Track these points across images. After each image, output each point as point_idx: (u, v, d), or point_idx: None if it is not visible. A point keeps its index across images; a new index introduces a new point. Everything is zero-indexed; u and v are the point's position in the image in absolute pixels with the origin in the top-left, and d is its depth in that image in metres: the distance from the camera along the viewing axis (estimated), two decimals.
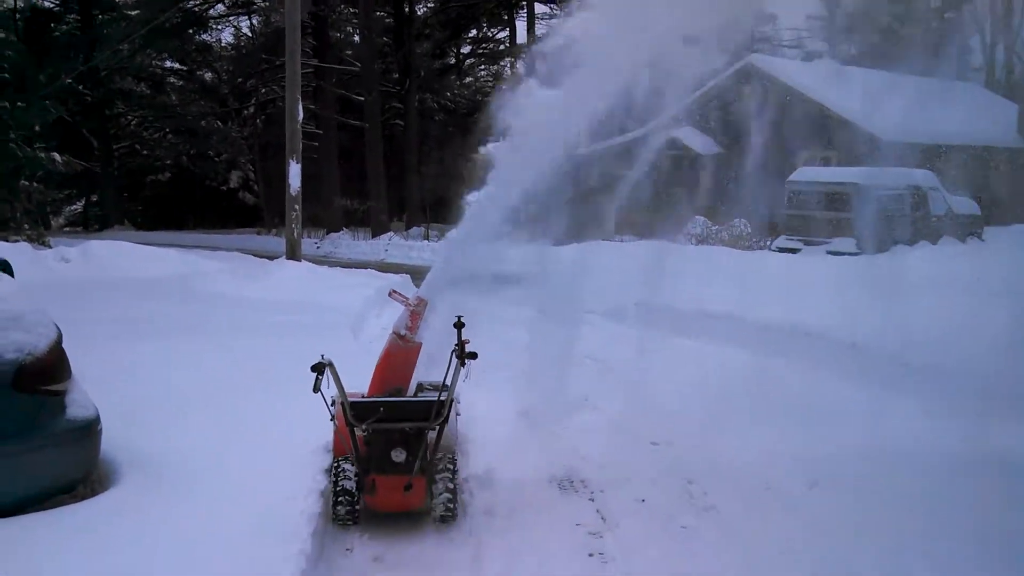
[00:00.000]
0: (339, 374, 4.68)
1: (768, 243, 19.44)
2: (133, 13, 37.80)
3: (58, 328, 4.88)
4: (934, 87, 26.77)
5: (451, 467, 4.85)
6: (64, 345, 4.86)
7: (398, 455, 4.75)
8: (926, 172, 19.53)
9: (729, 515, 5.00)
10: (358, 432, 4.73)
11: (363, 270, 17.61)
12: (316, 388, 4.51)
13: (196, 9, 35.21)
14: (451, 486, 4.79)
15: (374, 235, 31.03)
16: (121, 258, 15.71)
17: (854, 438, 6.22)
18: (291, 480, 4.90)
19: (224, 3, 37.09)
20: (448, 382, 4.82)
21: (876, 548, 4.55)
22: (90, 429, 4.74)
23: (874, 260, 15.64)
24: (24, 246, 15.76)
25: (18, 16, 38.97)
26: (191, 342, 8.74)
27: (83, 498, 4.64)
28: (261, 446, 5.41)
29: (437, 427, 4.81)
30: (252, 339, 9.10)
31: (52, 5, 40.28)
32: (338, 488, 4.73)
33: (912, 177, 18.98)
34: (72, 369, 4.90)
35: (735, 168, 24.25)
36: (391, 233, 30.28)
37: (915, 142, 23.12)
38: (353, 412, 4.69)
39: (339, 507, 4.71)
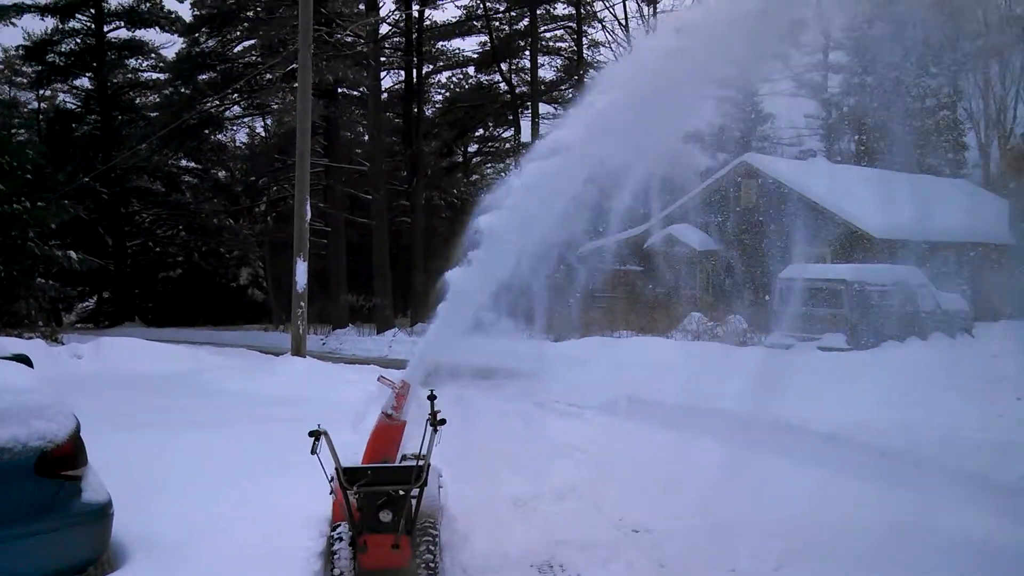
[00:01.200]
0: (333, 445, 5.33)
1: (762, 339, 19.85)
2: (152, 115, 39.24)
3: (76, 419, 5.33)
4: (927, 185, 27.61)
5: (433, 530, 5.47)
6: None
7: (385, 516, 5.33)
8: (913, 268, 20.03)
9: None
10: (350, 495, 5.32)
11: (366, 366, 18.02)
12: (313, 450, 5.17)
13: (213, 111, 36.49)
14: (433, 547, 5.39)
15: (379, 331, 31.52)
16: (132, 354, 16.20)
17: (824, 524, 6.57)
18: (287, 561, 5.28)
19: (240, 105, 38.44)
20: (424, 449, 5.50)
21: None
22: (103, 512, 5.13)
23: (863, 356, 16.07)
24: (39, 342, 16.25)
25: (41, 117, 40.56)
26: (197, 433, 9.17)
27: None
28: (260, 527, 5.80)
29: (418, 489, 5.42)
30: (254, 431, 9.51)
31: (74, 106, 41.84)
32: (336, 547, 5.34)
33: (899, 274, 19.48)
34: (88, 456, 5.33)
35: (731, 264, 24.93)
36: (396, 329, 30.77)
37: (907, 239, 23.77)
38: (345, 476, 5.31)
39: (337, 562, 5.28)
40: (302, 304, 16.91)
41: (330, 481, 5.49)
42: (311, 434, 5.23)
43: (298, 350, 16.74)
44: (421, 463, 5.42)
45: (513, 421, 11.33)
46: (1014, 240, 26.78)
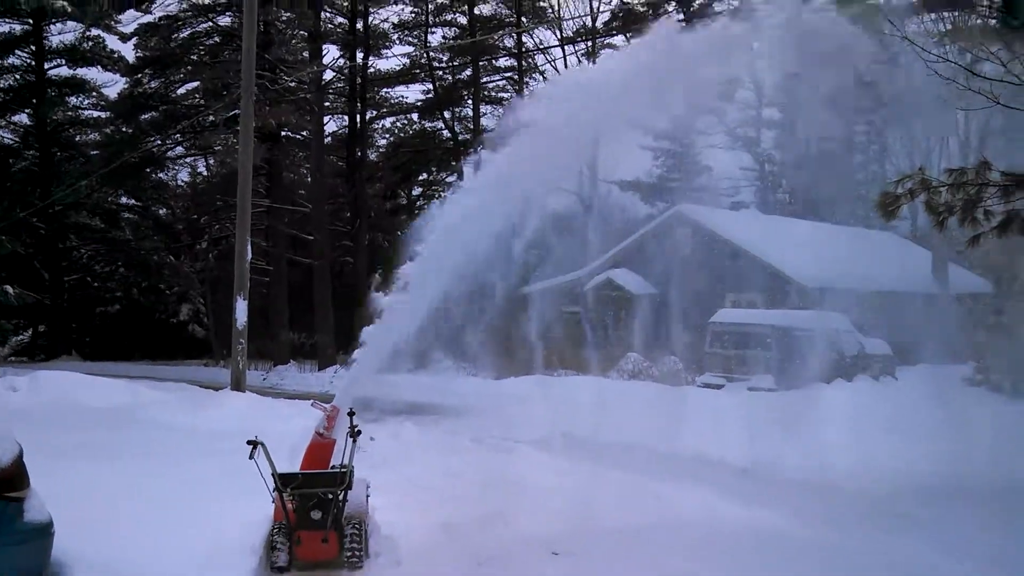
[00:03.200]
0: (269, 454, 6.33)
1: (695, 379, 20.46)
2: (93, 152, 38.98)
3: (19, 444, 5.56)
4: (855, 236, 28.69)
5: (358, 527, 6.41)
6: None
7: (315, 514, 6.32)
8: (838, 315, 20.86)
9: None
10: (286, 497, 6.27)
11: (305, 401, 18.12)
12: (251, 456, 6.17)
13: (155, 150, 36.44)
14: (358, 541, 6.35)
15: (321, 368, 31.55)
16: (69, 387, 16.10)
17: (726, 551, 7.05)
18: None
19: (182, 145, 38.42)
20: (346, 458, 6.54)
21: None
22: (45, 531, 5.38)
23: (788, 396, 16.69)
24: None
25: None
26: (134, 464, 9.38)
27: None
28: (194, 550, 6.13)
29: (342, 492, 6.35)
30: (191, 462, 9.74)
31: (12, 142, 41.36)
32: (276, 541, 6.28)
33: (825, 319, 20.27)
34: (30, 480, 5.55)
35: (667, 308, 25.60)
36: (337, 366, 30.76)
37: (835, 287, 24.68)
38: (281, 481, 6.30)
39: (276, 554, 6.24)
40: (242, 340, 17.08)
41: (272, 490, 6.38)
42: (249, 443, 6.21)
43: (238, 385, 16.85)
44: (344, 470, 6.40)
45: (448, 455, 11.65)
46: (936, 289, 27.85)
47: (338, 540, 6.34)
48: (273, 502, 6.46)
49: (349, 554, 6.33)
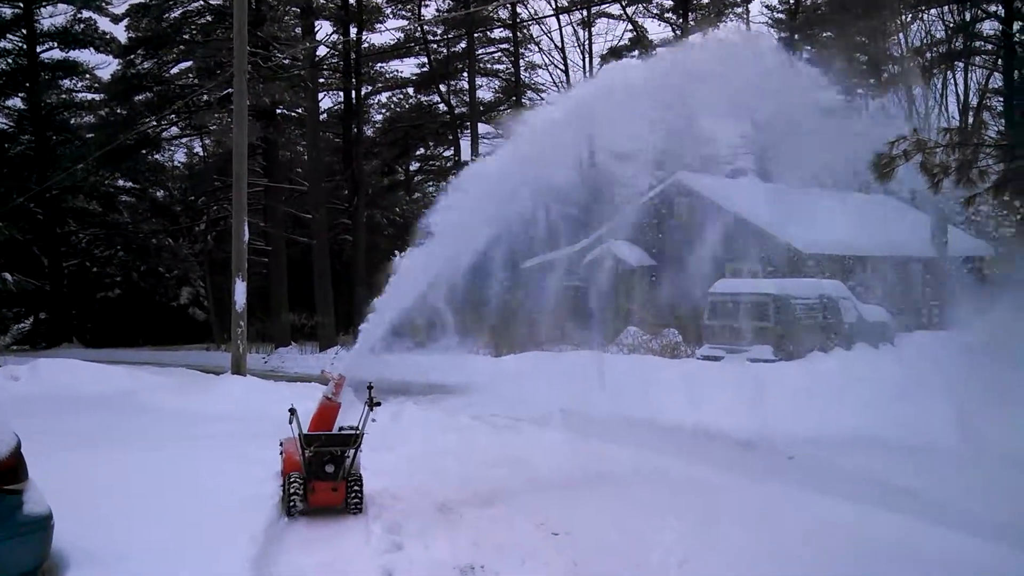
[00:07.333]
0: (299, 419, 7.60)
1: (694, 351, 20.46)
2: (88, 135, 38.83)
3: (17, 436, 5.58)
4: (855, 202, 28.56)
5: (359, 481, 7.55)
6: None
7: (329, 468, 7.46)
8: (836, 283, 20.82)
9: None
10: (307, 453, 7.39)
11: (307, 383, 18.17)
12: (290, 421, 7.57)
13: (150, 131, 36.30)
14: (359, 493, 7.51)
15: (322, 349, 31.55)
16: (70, 375, 16.19)
17: (725, 526, 7.07)
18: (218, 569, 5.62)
19: (177, 126, 38.27)
20: (360, 423, 7.68)
21: None
22: (44, 524, 5.38)
23: (789, 366, 16.69)
24: None
25: None
26: (134, 450, 9.44)
27: None
28: (192, 537, 6.14)
29: (353, 451, 7.50)
30: (191, 447, 9.81)
31: (6, 127, 41.19)
32: (292, 489, 7.36)
33: (823, 288, 20.22)
34: (28, 472, 5.58)
35: (666, 279, 25.56)
36: (338, 347, 30.77)
37: (833, 254, 24.65)
38: (305, 439, 7.47)
39: (293, 499, 7.34)
40: (241, 323, 17.06)
41: (280, 445, 8.01)
42: (289, 411, 7.59)
43: (238, 368, 16.84)
44: (357, 432, 7.56)
45: (448, 434, 11.70)
46: (934, 253, 27.78)
47: (345, 490, 7.43)
48: (281, 454, 7.90)
49: (354, 500, 7.47)
